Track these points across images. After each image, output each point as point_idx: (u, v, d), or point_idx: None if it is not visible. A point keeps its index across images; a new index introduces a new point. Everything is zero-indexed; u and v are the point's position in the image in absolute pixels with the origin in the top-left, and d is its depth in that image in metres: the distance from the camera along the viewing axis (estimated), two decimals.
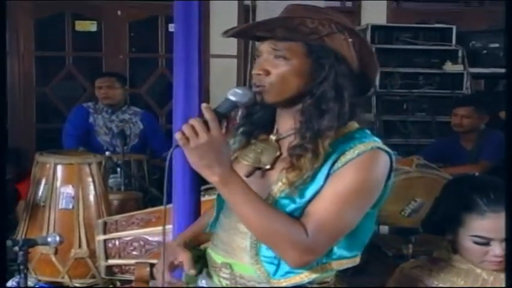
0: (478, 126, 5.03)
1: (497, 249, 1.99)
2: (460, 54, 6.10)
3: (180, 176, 2.00)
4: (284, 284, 1.67)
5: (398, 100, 6.09)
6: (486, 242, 2.00)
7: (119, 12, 6.80)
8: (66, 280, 3.84)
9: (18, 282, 2.77)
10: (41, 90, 6.81)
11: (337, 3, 6.92)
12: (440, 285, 2.08)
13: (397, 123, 6.05)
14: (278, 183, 1.68)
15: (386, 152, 1.67)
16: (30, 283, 3.26)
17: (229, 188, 1.61)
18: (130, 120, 5.37)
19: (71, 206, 3.84)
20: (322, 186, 1.62)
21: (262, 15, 5.91)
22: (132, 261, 3.03)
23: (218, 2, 6.49)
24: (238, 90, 1.70)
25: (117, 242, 3.07)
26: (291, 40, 1.67)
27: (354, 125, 1.71)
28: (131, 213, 3.28)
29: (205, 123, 1.58)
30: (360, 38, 1.73)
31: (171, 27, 1.95)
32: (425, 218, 2.21)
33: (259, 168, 1.75)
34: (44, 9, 6.68)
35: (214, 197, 3.05)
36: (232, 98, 1.68)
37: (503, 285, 1.99)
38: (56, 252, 3.78)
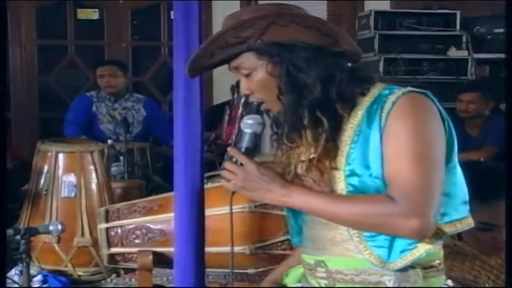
0: (483, 112, 5.01)
1: (501, 235, 1.97)
2: (464, 39, 6.05)
3: (182, 163, 1.98)
4: (401, 265, 1.61)
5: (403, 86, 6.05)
6: (491, 229, 1.98)
7: (121, 0, 6.77)
8: (69, 268, 3.85)
9: (21, 271, 2.76)
10: (43, 79, 6.80)
11: None
12: (450, 273, 2.06)
13: None
14: (332, 171, 1.65)
15: (422, 93, 1.63)
16: (33, 272, 3.26)
17: (297, 200, 1.63)
18: (133, 108, 5.37)
19: (73, 195, 3.84)
20: (381, 149, 1.58)
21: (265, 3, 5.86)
22: (135, 250, 3.03)
23: None
24: (248, 121, 1.73)
25: (119, 230, 3.05)
26: (236, 56, 1.67)
27: (381, 85, 1.68)
28: (133, 201, 3.27)
29: (237, 162, 1.67)
30: (299, 15, 1.67)
31: (173, 15, 1.94)
32: None
33: (303, 162, 1.72)
34: None
35: (218, 184, 3.06)
36: (248, 130, 1.73)
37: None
38: (58, 241, 3.79)
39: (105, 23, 6.82)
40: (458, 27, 6.09)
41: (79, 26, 6.81)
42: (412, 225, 1.52)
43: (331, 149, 1.63)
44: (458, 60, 6.04)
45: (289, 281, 1.97)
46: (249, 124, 1.72)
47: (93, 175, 3.92)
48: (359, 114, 1.63)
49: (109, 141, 4.78)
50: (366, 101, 1.64)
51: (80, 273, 3.89)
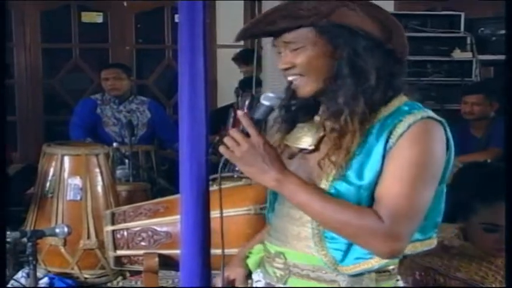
0: (488, 114, 4.99)
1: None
2: (468, 41, 6.05)
3: (187, 165, 1.98)
4: (352, 271, 1.63)
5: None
6: (496, 229, 1.98)
7: (125, 3, 6.79)
8: (75, 271, 3.86)
9: (27, 274, 2.77)
10: (48, 82, 6.81)
11: None
12: (457, 273, 2.06)
13: None
14: (326, 165, 1.64)
15: (438, 121, 1.62)
16: (39, 274, 3.27)
17: (288, 188, 1.60)
18: (138, 110, 5.38)
19: (78, 197, 3.85)
20: (381, 166, 1.58)
21: (267, 4, 5.87)
22: (141, 252, 3.03)
23: None
24: (270, 94, 1.69)
25: (125, 233, 3.06)
26: (295, 28, 1.64)
27: (402, 98, 1.66)
28: (139, 204, 3.28)
29: (244, 131, 1.61)
30: (368, 3, 1.67)
31: (177, 18, 1.95)
32: None
33: (304, 150, 1.72)
34: (50, 1, 6.67)
35: (223, 186, 3.07)
36: (266, 102, 1.68)
37: None
38: (65, 244, 3.79)
39: (109, 26, 6.84)
40: (462, 28, 6.09)
41: (83, 29, 6.82)
42: (388, 247, 1.54)
43: (345, 148, 1.61)
44: (463, 62, 6.03)
45: (250, 262, 1.94)
46: (269, 97, 1.68)
47: (99, 178, 3.93)
48: (371, 123, 1.62)
49: (114, 144, 4.79)
50: (382, 112, 1.63)
51: (86, 276, 3.89)
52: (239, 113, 1.65)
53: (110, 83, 5.35)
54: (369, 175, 1.58)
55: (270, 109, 1.68)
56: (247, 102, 4.83)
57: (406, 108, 1.62)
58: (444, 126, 1.63)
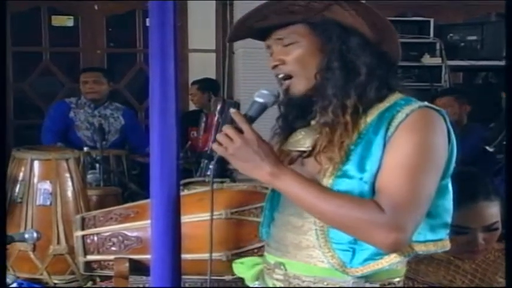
0: (461, 118, 5.01)
1: (476, 239, 2.00)
2: (438, 47, 6.13)
3: (157, 170, 1.98)
4: (361, 273, 1.59)
5: None
6: (465, 232, 2.01)
7: (96, 7, 6.75)
8: (45, 276, 3.82)
9: None
10: (18, 86, 6.75)
11: None
12: (425, 278, 2.08)
13: None
14: (323, 162, 1.63)
15: (438, 111, 1.62)
16: (8, 280, 3.23)
17: (284, 182, 1.58)
18: (112, 116, 5.35)
19: (48, 202, 3.82)
20: (381, 157, 1.56)
21: (239, 8, 5.90)
22: (111, 257, 3.01)
23: None
24: (264, 91, 1.69)
25: (95, 238, 3.04)
26: (288, 24, 1.65)
27: (398, 95, 1.66)
28: (109, 209, 3.25)
29: (237, 128, 1.60)
30: (362, 5, 1.68)
31: (149, 22, 1.94)
32: None
33: (303, 153, 1.71)
34: (19, 4, 6.60)
35: (194, 191, 3.06)
36: (260, 100, 1.68)
37: (484, 275, 2.01)
38: (34, 249, 3.76)
39: (80, 29, 6.80)
40: (432, 34, 6.16)
41: (54, 32, 6.77)
42: (391, 238, 1.50)
43: (338, 142, 1.61)
44: (432, 67, 6.11)
45: (247, 276, 1.88)
46: (263, 94, 1.68)
47: (69, 182, 3.89)
48: (368, 119, 1.62)
49: (85, 149, 4.76)
50: (379, 107, 1.63)
51: (56, 281, 3.86)
52: (231, 111, 1.63)
53: (89, 86, 5.31)
54: (370, 167, 1.57)
55: (264, 106, 1.68)
56: (218, 107, 4.83)
57: (403, 102, 1.62)
58: (444, 117, 1.62)
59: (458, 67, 6.39)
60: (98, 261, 3.07)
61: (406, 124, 1.56)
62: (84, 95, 5.33)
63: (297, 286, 1.66)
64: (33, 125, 5.84)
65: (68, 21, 6.84)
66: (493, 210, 2.01)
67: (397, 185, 1.52)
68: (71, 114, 5.30)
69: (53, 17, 6.76)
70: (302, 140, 1.73)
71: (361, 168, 1.57)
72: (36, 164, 3.85)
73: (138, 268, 2.98)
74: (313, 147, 1.68)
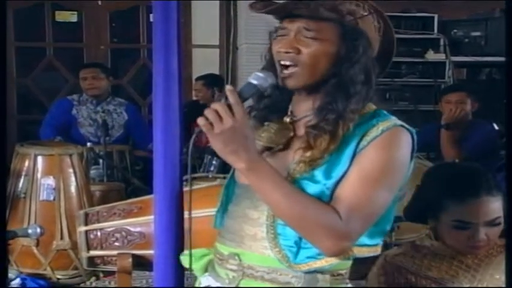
0: (468, 116, 4.92)
1: (478, 233, 2.00)
2: (441, 43, 6.10)
3: (161, 165, 1.98)
4: (305, 268, 1.62)
5: (381, 89, 6.04)
6: (467, 227, 2.01)
7: (100, 2, 6.75)
8: (48, 272, 3.84)
9: None
10: (21, 81, 6.75)
11: None
12: (428, 273, 2.08)
13: None
14: (296, 163, 1.63)
15: (408, 130, 1.64)
16: (11, 275, 3.25)
17: (257, 175, 1.56)
18: (115, 111, 5.35)
19: (52, 198, 3.83)
20: (348, 167, 1.58)
21: (243, 3, 5.89)
22: (114, 252, 3.02)
23: None
24: (260, 74, 1.65)
25: (98, 233, 3.05)
26: (329, 20, 1.63)
27: (371, 106, 1.68)
28: (112, 204, 3.26)
29: (229, 107, 1.52)
30: (387, 23, 1.70)
31: (152, 17, 1.94)
32: (407, 206, 2.21)
33: (270, 149, 1.70)
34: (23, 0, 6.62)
35: (197, 187, 3.06)
36: (254, 81, 1.64)
37: (486, 270, 2.01)
38: (37, 244, 3.77)
39: (83, 25, 6.80)
40: (435, 30, 6.14)
41: (57, 28, 6.77)
42: (338, 246, 1.55)
43: (319, 147, 1.61)
44: (436, 63, 6.09)
45: (196, 268, 1.85)
46: (258, 76, 1.64)
47: (72, 178, 3.90)
48: (344, 128, 1.62)
49: (88, 144, 4.77)
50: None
51: (59, 277, 3.87)
52: (227, 87, 1.58)
53: (88, 82, 5.32)
54: (336, 174, 1.59)
55: (256, 89, 1.64)
56: (222, 101, 4.83)
57: (379, 115, 1.65)
58: (413, 136, 1.65)
59: (462, 63, 6.36)
60: (101, 257, 3.08)
61: (379, 141, 1.59)
62: (85, 92, 5.34)
63: (250, 276, 1.68)
64: (36, 121, 5.83)
65: (72, 17, 6.84)
66: (495, 206, 2.01)
67: (358, 196, 1.56)
68: (73, 111, 5.30)
69: (57, 13, 6.77)
70: (273, 136, 1.72)
71: (328, 175, 1.59)
72: (39, 159, 3.86)
73: (141, 263, 2.99)
74: (284, 147, 1.69)
